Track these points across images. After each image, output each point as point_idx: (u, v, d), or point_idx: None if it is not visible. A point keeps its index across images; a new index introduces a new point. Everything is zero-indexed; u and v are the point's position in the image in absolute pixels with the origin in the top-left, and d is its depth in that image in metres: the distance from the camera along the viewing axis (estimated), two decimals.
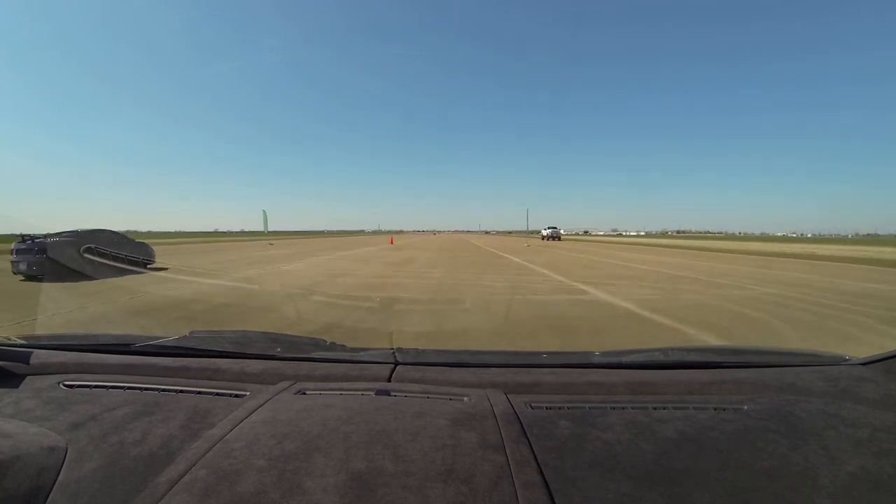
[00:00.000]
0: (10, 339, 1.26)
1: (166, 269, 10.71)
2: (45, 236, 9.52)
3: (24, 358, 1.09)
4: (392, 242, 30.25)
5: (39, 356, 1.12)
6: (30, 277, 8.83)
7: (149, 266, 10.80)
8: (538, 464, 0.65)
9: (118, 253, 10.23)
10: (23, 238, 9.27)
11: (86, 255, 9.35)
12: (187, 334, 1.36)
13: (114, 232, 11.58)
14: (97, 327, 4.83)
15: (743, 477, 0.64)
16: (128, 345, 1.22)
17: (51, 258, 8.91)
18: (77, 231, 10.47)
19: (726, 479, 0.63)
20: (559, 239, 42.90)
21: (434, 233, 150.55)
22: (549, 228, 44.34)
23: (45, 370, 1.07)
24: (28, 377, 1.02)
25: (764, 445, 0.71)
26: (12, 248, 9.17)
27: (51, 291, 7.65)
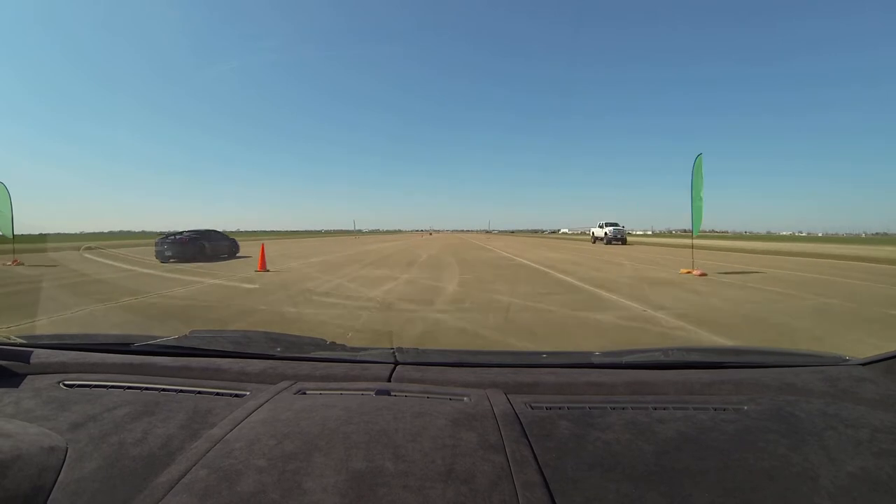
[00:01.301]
0: (10, 339, 1.26)
1: (249, 256, 15.28)
2: (179, 233, 14.89)
3: (25, 357, 1.09)
4: (261, 265, 10.79)
5: (39, 356, 1.12)
6: (164, 260, 13.59)
7: (237, 255, 16.21)
8: (538, 464, 0.65)
9: (220, 245, 15.90)
10: (165, 235, 14.69)
11: (204, 246, 14.71)
12: (187, 334, 1.36)
13: (217, 231, 16.77)
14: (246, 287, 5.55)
15: (743, 477, 0.64)
16: (128, 344, 1.22)
17: (183, 247, 14.03)
18: (197, 230, 15.57)
19: (726, 480, 0.63)
20: (625, 242, 28.05)
21: (430, 233, 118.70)
22: (608, 226, 28.24)
23: (45, 370, 1.07)
24: (28, 377, 1.02)
25: (764, 446, 0.71)
26: (156, 241, 14.42)
27: (188, 268, 11.43)
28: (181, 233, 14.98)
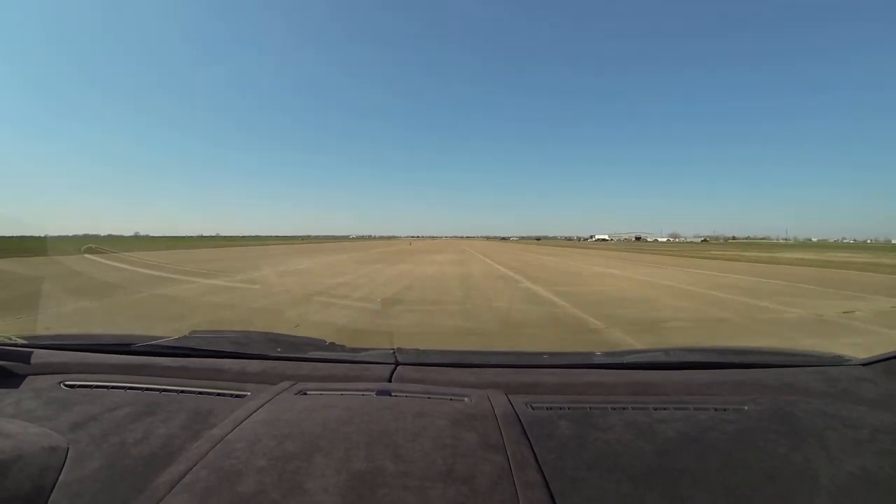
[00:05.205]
0: (10, 339, 1.26)
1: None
2: None
3: (25, 358, 1.09)
4: None
5: (40, 356, 1.12)
6: None
7: None
8: (539, 464, 0.65)
9: None
10: None
11: None
12: (188, 334, 1.36)
13: None
14: None
15: (743, 477, 0.64)
16: (128, 345, 1.22)
17: None
18: None
19: (727, 480, 0.63)
20: None
21: (409, 242, 76.67)
22: None
23: (46, 370, 1.07)
24: (29, 377, 1.02)
25: (764, 446, 0.71)
26: None
27: None
28: None
